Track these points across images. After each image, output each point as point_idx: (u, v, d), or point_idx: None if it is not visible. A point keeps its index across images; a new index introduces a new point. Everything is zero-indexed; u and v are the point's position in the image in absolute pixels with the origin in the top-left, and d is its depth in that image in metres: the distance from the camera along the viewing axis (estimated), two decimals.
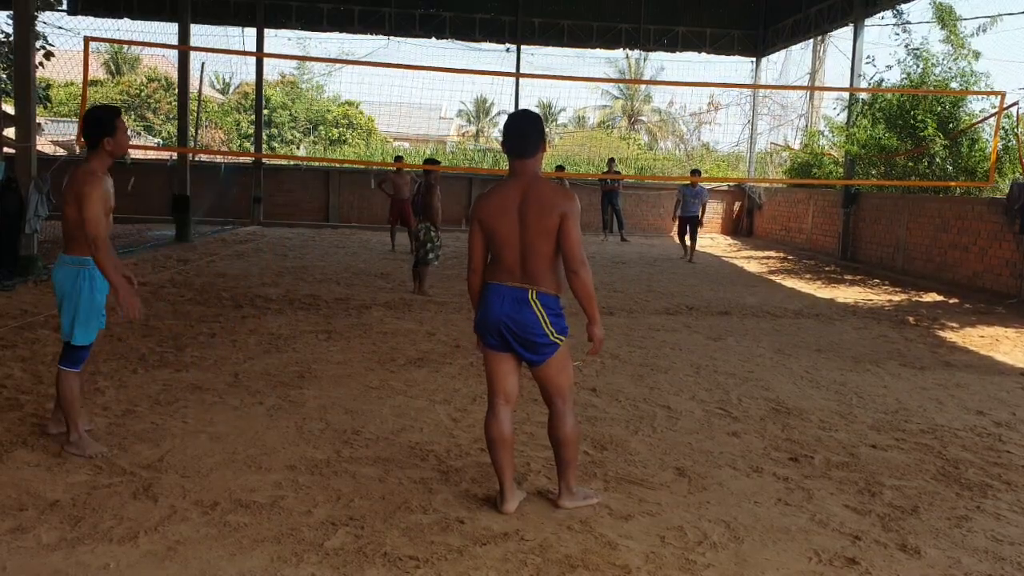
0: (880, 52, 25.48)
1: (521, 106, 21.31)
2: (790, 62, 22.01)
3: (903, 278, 13.23)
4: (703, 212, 15.40)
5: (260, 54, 20.27)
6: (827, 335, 8.43)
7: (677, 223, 15.52)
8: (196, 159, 18.58)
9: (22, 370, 5.78)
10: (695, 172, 16.25)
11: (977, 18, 25.03)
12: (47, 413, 4.80)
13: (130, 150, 21.98)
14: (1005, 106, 12.23)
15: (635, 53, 30.66)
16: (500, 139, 3.74)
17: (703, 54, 21.70)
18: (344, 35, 22.25)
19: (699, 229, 15.40)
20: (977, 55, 14.09)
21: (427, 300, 9.56)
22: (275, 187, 20.30)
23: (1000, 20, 14.52)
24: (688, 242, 15.27)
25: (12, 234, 9.50)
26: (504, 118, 3.80)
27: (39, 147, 10.34)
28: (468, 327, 7.46)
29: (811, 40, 20.23)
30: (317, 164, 21.66)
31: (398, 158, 16.16)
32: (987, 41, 51.97)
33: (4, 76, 13.90)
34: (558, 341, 3.66)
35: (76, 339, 4.23)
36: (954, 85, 14.16)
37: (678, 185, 16.07)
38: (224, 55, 21.48)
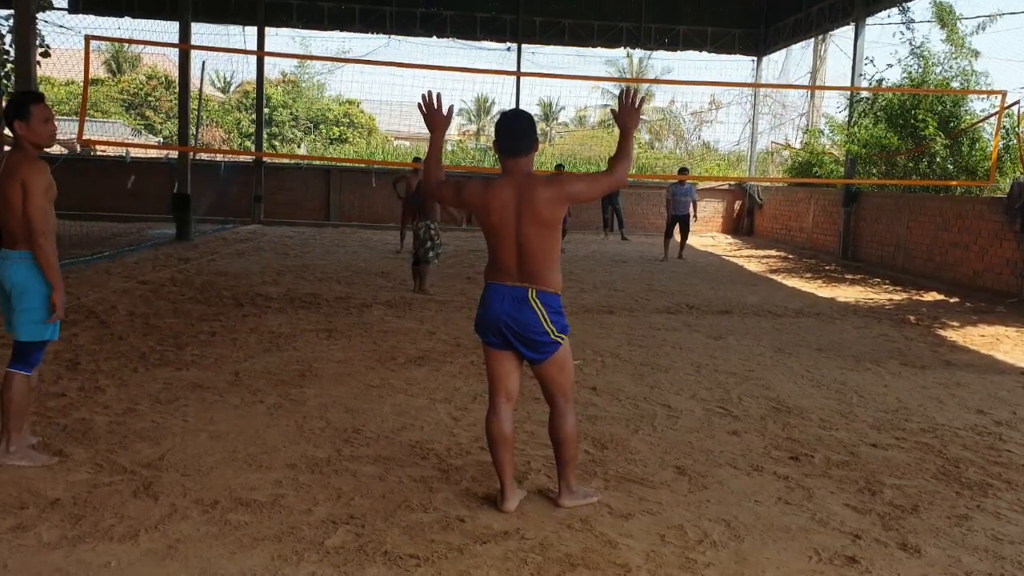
0: (881, 51, 25.56)
1: (522, 105, 21.31)
2: (791, 61, 22.00)
3: (904, 277, 13.22)
4: (695, 210, 15.32)
5: (261, 53, 20.28)
6: (828, 334, 8.42)
7: (667, 222, 15.42)
8: (196, 158, 18.60)
9: None
10: (683, 170, 16.11)
11: (978, 17, 24.93)
12: (47, 412, 4.81)
13: (130, 149, 21.90)
14: (1006, 105, 12.23)
15: (637, 52, 30.66)
16: (493, 139, 3.74)
17: (704, 53, 21.69)
18: (345, 34, 22.27)
19: (691, 226, 15.36)
20: (976, 54, 14.08)
21: (428, 299, 9.56)
22: (276, 186, 20.31)
23: (998, 18, 14.48)
24: (680, 240, 15.23)
25: None
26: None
27: None
28: (469, 326, 7.46)
29: (812, 39, 20.21)
30: (318, 163, 21.68)
31: (417, 159, 16.12)
32: (987, 40, 51.89)
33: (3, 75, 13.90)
34: (559, 340, 3.66)
35: (55, 334, 4.07)
36: (955, 84, 14.16)
37: (667, 184, 16.02)
38: (225, 54, 21.51)
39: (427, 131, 3.87)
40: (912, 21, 15.02)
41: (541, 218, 3.56)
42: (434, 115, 3.81)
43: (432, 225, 9.93)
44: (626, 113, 3.69)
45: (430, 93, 3.80)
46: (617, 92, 39.12)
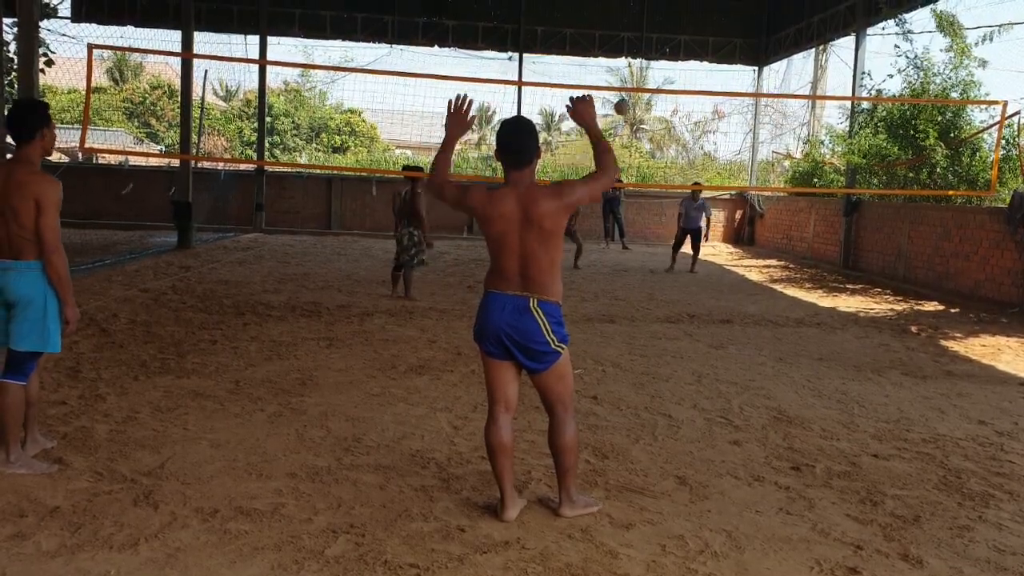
0: (882, 61, 25.62)
1: (523, 114, 21.34)
2: (792, 71, 22.03)
3: (905, 287, 13.22)
4: (708, 224, 15.15)
5: (263, 61, 20.32)
6: (829, 344, 8.42)
7: (677, 233, 15.18)
8: (198, 166, 18.64)
9: None
10: (696, 184, 15.89)
11: (978, 27, 24.99)
12: (48, 420, 4.80)
13: (129, 157, 21.99)
14: (1006, 116, 12.24)
15: (638, 62, 30.73)
16: (494, 148, 3.76)
17: (705, 63, 21.74)
18: (347, 43, 22.37)
19: (702, 240, 15.15)
20: (984, 63, 14.12)
21: (429, 307, 9.56)
22: (277, 194, 20.34)
23: (1009, 28, 14.48)
24: (691, 253, 15.10)
25: None
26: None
27: None
28: (470, 334, 7.46)
29: (813, 49, 20.27)
30: (319, 171, 21.70)
31: (406, 167, 16.11)
32: (987, 51, 51.92)
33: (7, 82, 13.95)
34: (559, 349, 3.66)
35: (56, 346, 4.06)
36: (954, 95, 14.19)
37: (681, 197, 15.82)
38: (227, 63, 21.56)
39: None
40: (911, 32, 15.05)
41: (544, 229, 3.57)
42: (458, 119, 3.88)
43: (415, 232, 9.91)
44: (581, 110, 3.84)
45: (462, 97, 3.87)
46: (615, 100, 39.28)
